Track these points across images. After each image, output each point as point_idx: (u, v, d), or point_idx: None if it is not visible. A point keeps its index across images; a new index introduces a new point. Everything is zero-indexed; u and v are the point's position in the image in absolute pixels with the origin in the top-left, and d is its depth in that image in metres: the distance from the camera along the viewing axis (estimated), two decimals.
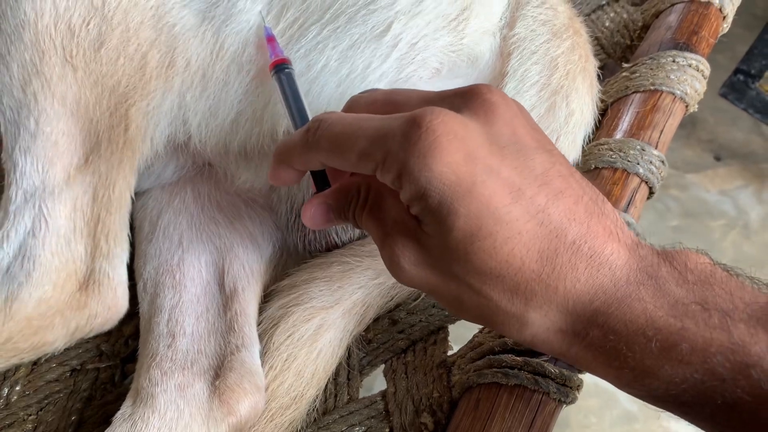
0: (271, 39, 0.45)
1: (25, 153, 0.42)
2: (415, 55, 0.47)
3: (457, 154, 0.33)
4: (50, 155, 0.42)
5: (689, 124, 1.36)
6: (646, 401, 0.35)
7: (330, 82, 0.46)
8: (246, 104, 0.46)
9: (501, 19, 0.52)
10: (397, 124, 0.34)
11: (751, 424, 0.31)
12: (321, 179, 0.41)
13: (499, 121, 0.35)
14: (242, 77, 0.46)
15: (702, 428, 0.34)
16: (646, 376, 0.33)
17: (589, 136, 0.55)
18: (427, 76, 0.48)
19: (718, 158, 1.37)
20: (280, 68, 0.44)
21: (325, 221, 0.40)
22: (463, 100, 0.36)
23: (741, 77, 1.25)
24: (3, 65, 0.42)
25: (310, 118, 0.42)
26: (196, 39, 0.45)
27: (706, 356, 0.32)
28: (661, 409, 0.35)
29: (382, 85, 0.47)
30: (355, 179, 0.39)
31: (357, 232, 0.52)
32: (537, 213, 0.33)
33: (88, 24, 0.43)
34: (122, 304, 0.46)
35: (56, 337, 0.44)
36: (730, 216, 1.30)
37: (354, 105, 0.41)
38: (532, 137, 0.36)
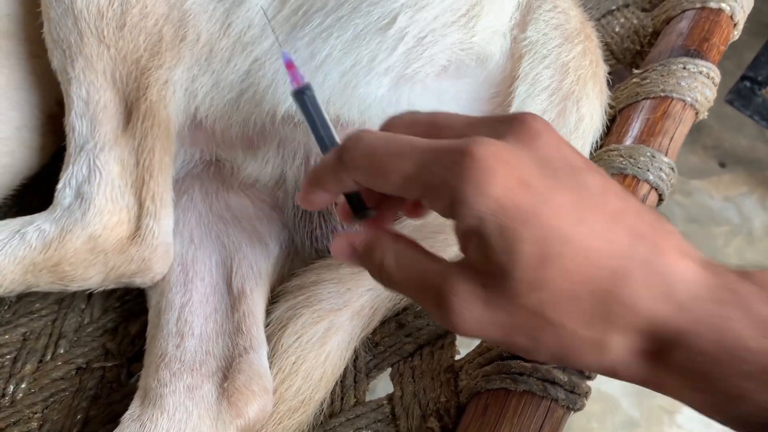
0: (290, 65, 0.43)
1: (81, 117, 0.47)
2: (422, 51, 0.47)
3: (510, 180, 0.32)
4: (100, 118, 0.47)
5: (694, 130, 1.35)
6: (739, 430, 0.33)
7: (334, 71, 0.46)
8: (248, 84, 0.47)
9: (511, 19, 0.51)
10: (445, 150, 0.33)
11: None
12: (356, 201, 0.39)
13: (545, 146, 0.34)
14: (245, 57, 0.47)
15: None
16: (739, 401, 0.31)
17: (597, 142, 0.55)
18: (434, 73, 0.48)
19: (722, 165, 1.37)
20: (302, 92, 0.41)
21: (349, 259, 0.39)
22: (509, 126, 0.35)
23: (747, 84, 1.25)
24: (58, 48, 0.48)
25: (338, 140, 0.40)
26: (206, 14, 0.47)
27: None
28: None
29: (388, 79, 0.46)
30: (382, 236, 0.38)
31: None
32: (602, 232, 0.32)
33: (112, 4, 0.47)
34: (158, 262, 0.48)
35: (96, 273, 0.48)
36: (734, 223, 1.30)
37: (392, 125, 0.39)
38: (581, 160, 0.35)
